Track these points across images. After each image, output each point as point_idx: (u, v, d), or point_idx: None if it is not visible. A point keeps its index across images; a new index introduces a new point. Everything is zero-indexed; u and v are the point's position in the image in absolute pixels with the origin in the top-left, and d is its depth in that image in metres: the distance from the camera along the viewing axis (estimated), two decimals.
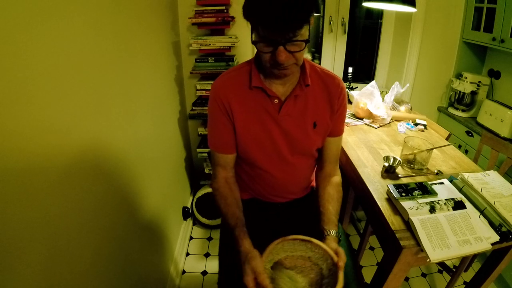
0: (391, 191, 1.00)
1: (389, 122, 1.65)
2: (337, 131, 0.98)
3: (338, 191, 0.96)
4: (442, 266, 1.65)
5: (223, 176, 0.95)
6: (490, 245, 0.85)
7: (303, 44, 0.73)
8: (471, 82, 1.92)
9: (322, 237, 0.83)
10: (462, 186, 1.04)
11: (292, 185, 1.01)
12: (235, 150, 0.94)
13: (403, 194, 0.98)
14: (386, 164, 1.16)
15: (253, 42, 0.75)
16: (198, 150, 1.88)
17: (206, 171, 1.95)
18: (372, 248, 1.90)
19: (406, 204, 0.94)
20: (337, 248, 0.78)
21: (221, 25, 1.70)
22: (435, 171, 1.19)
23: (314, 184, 1.08)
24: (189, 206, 2.02)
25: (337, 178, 0.99)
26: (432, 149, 1.18)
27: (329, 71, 0.94)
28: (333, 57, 2.19)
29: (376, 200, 1.02)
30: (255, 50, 0.81)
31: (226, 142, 0.92)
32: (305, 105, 0.90)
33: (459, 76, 2.02)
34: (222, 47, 1.72)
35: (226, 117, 0.89)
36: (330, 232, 0.83)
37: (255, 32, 0.74)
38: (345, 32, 2.11)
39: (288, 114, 0.89)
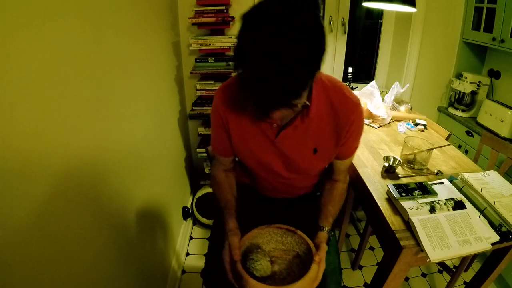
0: (391, 191, 1.00)
1: (389, 122, 1.65)
2: (345, 155, 0.91)
3: (341, 195, 0.96)
4: (442, 266, 1.65)
5: (222, 168, 1.01)
6: (490, 245, 0.85)
7: (303, 101, 0.65)
8: (471, 82, 1.92)
9: (315, 231, 0.86)
10: (462, 186, 1.04)
11: (290, 192, 1.04)
12: (232, 154, 0.96)
13: (403, 194, 0.98)
14: (386, 164, 1.16)
15: (239, 88, 0.62)
16: (198, 150, 1.88)
17: (206, 171, 1.95)
18: (372, 248, 1.90)
19: (406, 204, 0.94)
20: (320, 243, 0.81)
21: (221, 25, 1.70)
22: (435, 171, 1.19)
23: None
24: (189, 206, 2.02)
25: (343, 184, 0.98)
26: (432, 149, 1.18)
27: (348, 91, 0.82)
28: (333, 57, 2.19)
29: (376, 200, 1.02)
30: None
31: (224, 148, 0.94)
32: (306, 131, 0.83)
33: (459, 76, 2.02)
34: (222, 47, 1.72)
35: (223, 128, 0.89)
36: (323, 228, 0.86)
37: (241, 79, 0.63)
38: (345, 32, 2.11)
39: (286, 138, 0.83)
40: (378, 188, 1.08)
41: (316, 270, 0.75)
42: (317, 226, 0.87)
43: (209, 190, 1.91)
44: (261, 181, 1.00)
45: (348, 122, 0.81)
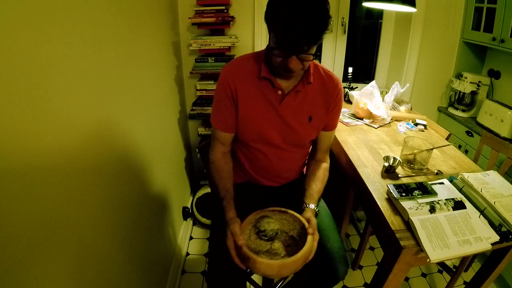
0: (391, 191, 1.00)
1: (389, 122, 1.65)
2: (331, 126, 1.08)
3: (323, 174, 1.07)
4: (442, 266, 1.65)
5: (221, 150, 1.05)
6: (490, 245, 0.85)
7: (311, 56, 0.84)
8: (471, 82, 1.92)
9: (302, 209, 0.94)
10: (462, 186, 1.04)
11: (283, 170, 1.10)
12: (234, 130, 1.02)
13: (403, 194, 0.98)
14: (386, 164, 1.16)
15: (269, 48, 0.85)
16: (198, 150, 1.88)
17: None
18: (372, 248, 1.90)
19: (406, 204, 0.94)
20: (309, 217, 0.89)
21: (221, 25, 1.70)
22: (435, 171, 1.19)
23: (305, 171, 1.16)
24: (189, 206, 2.02)
25: (325, 164, 1.11)
26: (432, 149, 1.18)
27: (331, 72, 1.03)
28: (333, 57, 2.19)
29: (376, 200, 1.02)
30: (261, 46, 0.86)
31: (226, 123, 1.00)
32: (304, 100, 0.99)
33: (459, 76, 2.02)
34: (222, 47, 1.72)
35: (230, 101, 0.97)
36: (308, 205, 0.95)
37: (272, 37, 0.83)
38: (345, 32, 2.11)
39: (288, 106, 0.98)
40: (378, 188, 1.08)
41: (311, 241, 0.83)
42: (303, 204, 0.96)
43: (209, 190, 1.91)
44: (257, 159, 1.06)
45: (334, 93, 1.01)
